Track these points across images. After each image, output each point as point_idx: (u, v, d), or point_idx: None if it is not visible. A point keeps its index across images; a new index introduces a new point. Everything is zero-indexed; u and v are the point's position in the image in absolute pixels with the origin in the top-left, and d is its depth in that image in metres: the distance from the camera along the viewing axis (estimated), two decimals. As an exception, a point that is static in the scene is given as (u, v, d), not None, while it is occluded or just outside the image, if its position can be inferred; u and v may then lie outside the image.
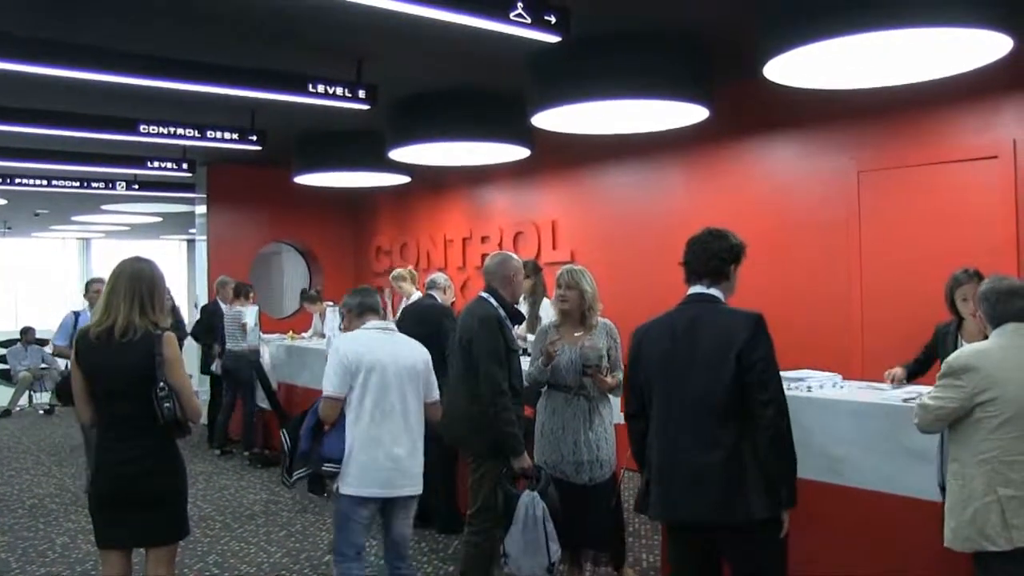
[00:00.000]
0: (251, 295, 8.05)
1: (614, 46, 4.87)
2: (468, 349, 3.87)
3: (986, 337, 2.90)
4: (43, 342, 12.08)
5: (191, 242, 17.26)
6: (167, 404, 2.99)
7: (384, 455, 3.43)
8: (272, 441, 7.71)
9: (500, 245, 8.31)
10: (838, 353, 5.32)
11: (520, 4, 3.77)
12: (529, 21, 3.84)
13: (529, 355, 4.20)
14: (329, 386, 3.46)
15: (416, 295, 6.49)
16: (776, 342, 2.75)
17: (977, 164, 4.98)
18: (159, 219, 13.89)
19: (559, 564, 3.75)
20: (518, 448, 3.74)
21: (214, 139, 6.40)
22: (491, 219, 8.70)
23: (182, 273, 17.46)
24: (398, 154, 6.61)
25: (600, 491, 3.91)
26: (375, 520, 3.60)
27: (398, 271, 6.92)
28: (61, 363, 11.40)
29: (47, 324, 13.51)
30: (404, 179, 8.03)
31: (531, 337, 4.99)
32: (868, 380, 4.20)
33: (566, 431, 3.88)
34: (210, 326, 8.26)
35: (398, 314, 6.11)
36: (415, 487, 3.55)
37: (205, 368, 8.58)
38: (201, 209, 9.95)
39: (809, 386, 3.80)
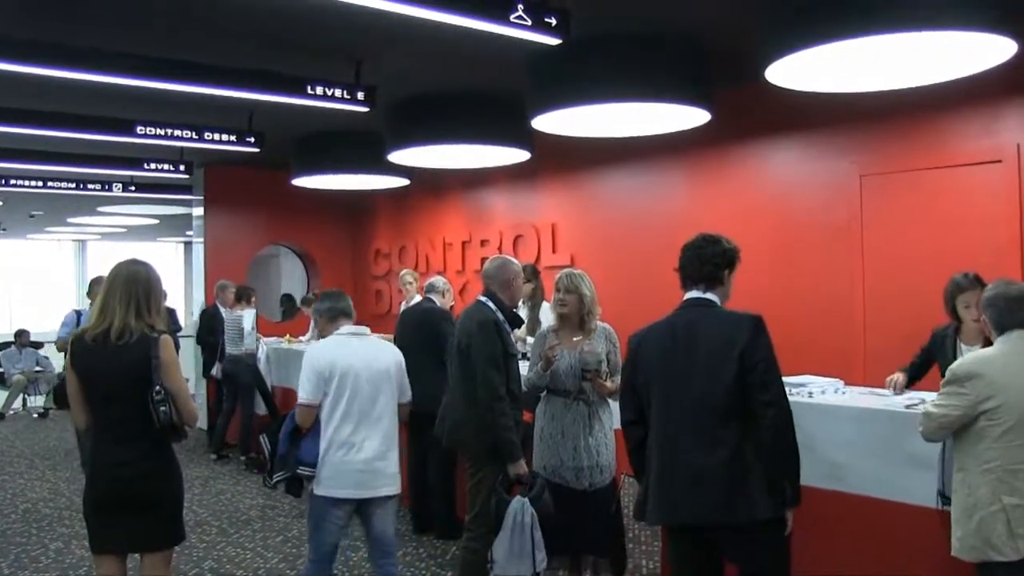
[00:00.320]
0: (252, 299, 8.07)
1: (614, 48, 4.88)
2: (466, 353, 3.87)
3: (987, 341, 2.90)
4: (38, 345, 12.09)
5: (188, 244, 17.25)
6: (163, 408, 3.00)
7: (357, 457, 3.55)
8: (269, 446, 7.70)
9: (500, 249, 8.32)
10: (840, 358, 5.32)
11: (520, 6, 3.78)
12: (529, 23, 3.84)
13: (528, 359, 4.20)
14: (303, 393, 3.58)
15: (416, 298, 6.51)
16: (777, 346, 2.76)
17: (980, 168, 4.99)
18: (156, 221, 13.88)
19: (544, 573, 3.75)
20: (515, 453, 3.75)
21: (211, 141, 6.40)
22: (490, 222, 8.70)
23: (179, 276, 17.45)
24: (397, 156, 6.62)
25: (600, 497, 3.91)
26: (353, 520, 3.70)
27: (409, 272, 6.94)
28: (56, 366, 11.41)
29: (42, 327, 13.54)
30: (403, 182, 8.03)
31: (531, 340, 4.99)
32: (870, 386, 4.20)
33: (566, 436, 3.88)
34: (211, 330, 8.27)
35: (397, 317, 6.11)
36: (390, 487, 3.65)
37: (207, 372, 8.60)
38: (198, 211, 9.96)
39: (810, 392, 3.80)
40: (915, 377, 4.08)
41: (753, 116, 6.05)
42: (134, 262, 3.20)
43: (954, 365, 2.82)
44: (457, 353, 3.98)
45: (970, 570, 2.80)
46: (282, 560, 5.09)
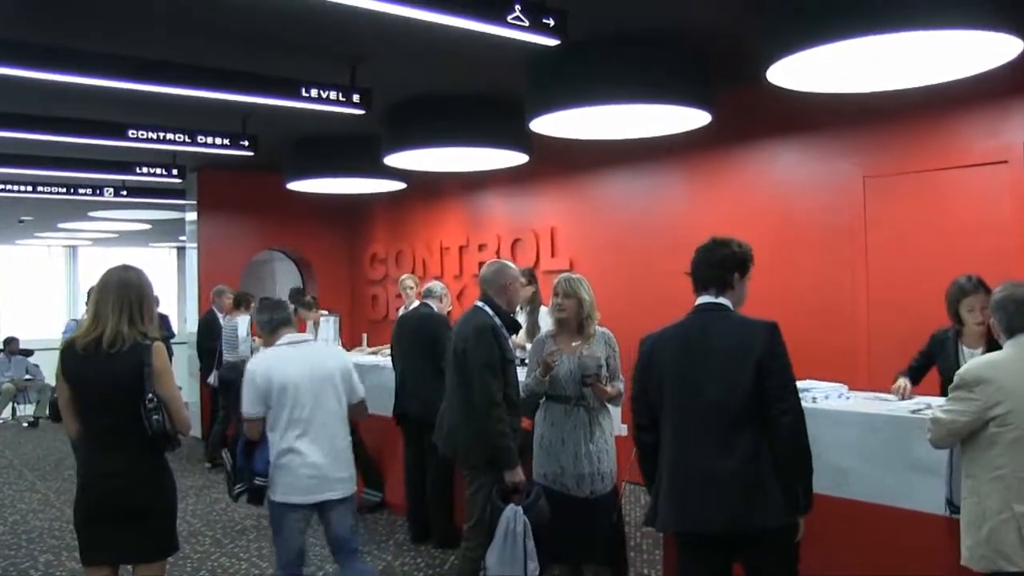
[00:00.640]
0: (252, 304, 8.08)
1: (614, 49, 4.89)
2: (463, 359, 3.88)
3: (990, 344, 2.90)
4: (27, 352, 12.07)
5: (181, 250, 17.22)
6: (156, 416, 2.99)
7: (303, 465, 3.64)
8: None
9: (498, 253, 8.32)
10: (844, 363, 5.33)
11: (517, 7, 3.79)
12: (527, 24, 3.85)
13: (527, 365, 4.20)
14: (245, 407, 3.72)
15: (415, 303, 6.50)
16: (780, 351, 2.76)
17: (986, 169, 5.00)
18: (148, 226, 13.87)
19: None
20: (512, 461, 3.75)
21: (205, 144, 6.40)
22: (488, 226, 8.71)
23: (172, 282, 17.43)
24: (393, 160, 6.63)
25: (601, 504, 3.90)
26: (312, 524, 3.83)
27: (410, 277, 6.94)
28: (47, 375, 11.40)
29: (31, 334, 13.51)
30: (400, 185, 8.04)
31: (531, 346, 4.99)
32: (874, 391, 4.20)
33: (566, 443, 3.88)
34: (209, 336, 8.27)
35: (395, 322, 6.11)
36: (342, 490, 3.75)
37: (206, 379, 8.59)
38: (191, 216, 9.95)
39: (814, 397, 3.80)
40: (914, 381, 4.08)
41: (755, 117, 6.06)
42: (125, 268, 3.19)
43: (962, 370, 2.81)
44: (454, 359, 3.98)
45: (977, 579, 2.79)
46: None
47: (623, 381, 4.07)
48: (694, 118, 5.32)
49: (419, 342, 5.45)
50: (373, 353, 7.43)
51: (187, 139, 6.34)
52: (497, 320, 3.93)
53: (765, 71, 4.26)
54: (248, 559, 5.34)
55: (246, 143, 6.62)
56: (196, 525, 6.11)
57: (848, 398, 3.93)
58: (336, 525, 3.78)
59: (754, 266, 2.96)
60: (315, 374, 3.71)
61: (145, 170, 7.85)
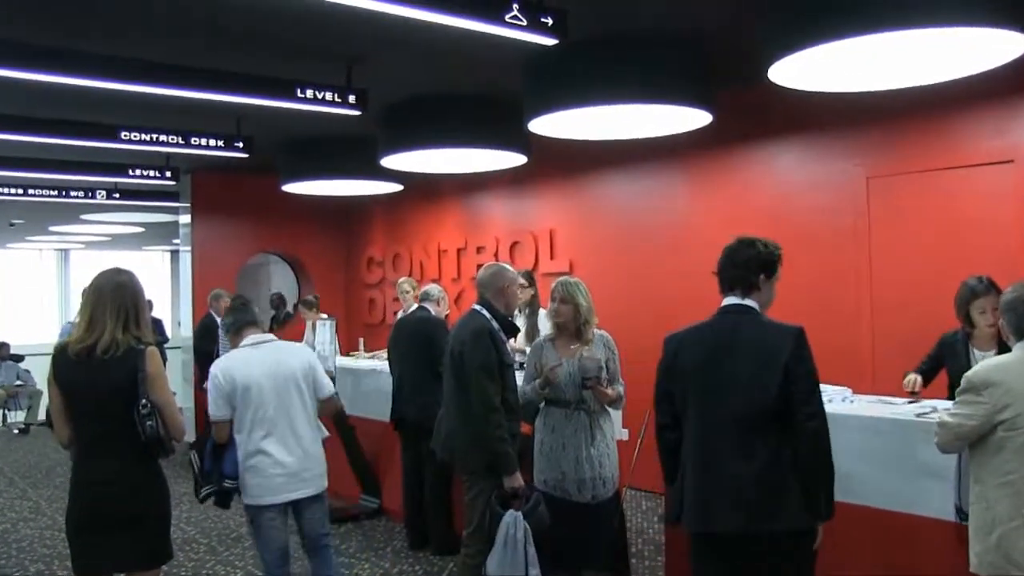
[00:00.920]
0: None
1: (613, 49, 4.89)
2: (460, 363, 3.88)
3: (1001, 347, 2.89)
4: (18, 358, 12.05)
5: (175, 253, 17.23)
6: (150, 422, 2.99)
7: (272, 464, 3.74)
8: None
9: (496, 255, 8.32)
10: (847, 366, 5.32)
11: (515, 6, 3.79)
12: (525, 23, 3.85)
13: (524, 369, 4.20)
14: (211, 410, 3.78)
15: (413, 307, 6.50)
16: (783, 355, 2.77)
17: (991, 169, 5.00)
18: (141, 229, 13.86)
19: None
20: (510, 465, 3.75)
21: (198, 146, 6.39)
22: (487, 229, 8.71)
23: (166, 286, 17.42)
24: (390, 161, 6.62)
25: (603, 510, 3.90)
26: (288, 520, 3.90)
27: (407, 280, 6.94)
28: (38, 380, 11.38)
29: (23, 339, 13.49)
30: (396, 187, 8.04)
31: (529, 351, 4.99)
32: (878, 394, 4.20)
33: (567, 448, 3.88)
34: (206, 340, 8.25)
35: (392, 327, 6.11)
36: (314, 488, 3.86)
37: (203, 383, 8.58)
38: (185, 219, 9.95)
39: (818, 400, 3.79)
40: (923, 384, 4.08)
41: (756, 117, 6.06)
42: (118, 271, 3.19)
43: (970, 373, 2.80)
44: (451, 363, 3.98)
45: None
46: (273, 579, 5.07)
47: (623, 384, 4.08)
48: (695, 118, 5.32)
49: (416, 346, 5.45)
50: (371, 357, 7.43)
51: (180, 140, 6.33)
52: (494, 324, 3.93)
53: (766, 70, 4.26)
54: (243, 567, 5.33)
55: (240, 144, 6.61)
56: (190, 532, 6.10)
57: (852, 402, 3.93)
58: (308, 522, 3.90)
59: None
60: (278, 373, 3.79)
61: (138, 172, 7.83)
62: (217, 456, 3.76)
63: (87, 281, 3.21)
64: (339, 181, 7.83)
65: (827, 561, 3.44)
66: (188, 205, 9.79)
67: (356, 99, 5.31)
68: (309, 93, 5.14)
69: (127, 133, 6.12)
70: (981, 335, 3.87)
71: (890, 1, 3.69)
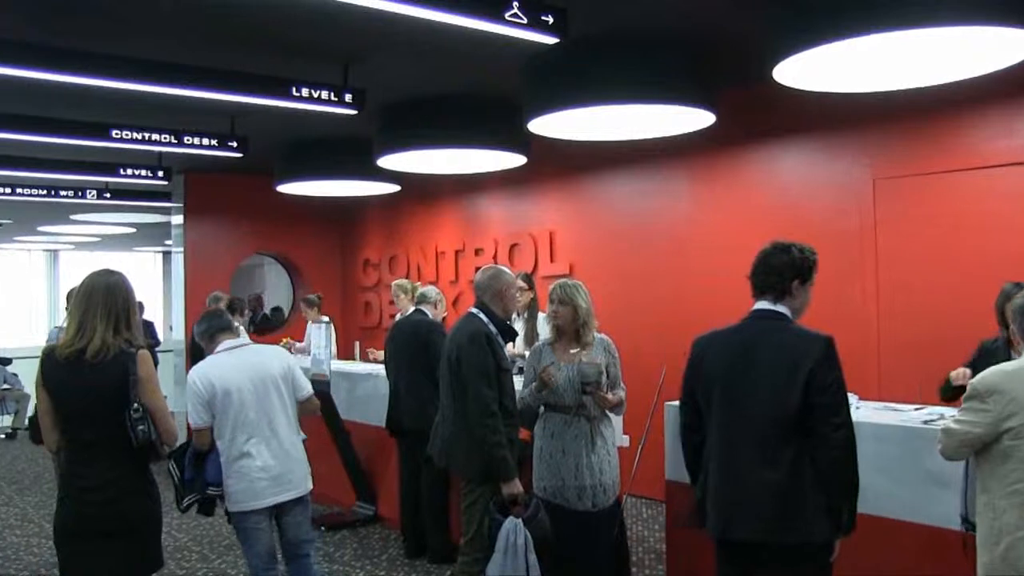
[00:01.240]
0: (244, 311, 8.08)
1: (614, 48, 4.90)
2: (457, 368, 3.87)
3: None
4: (6, 361, 12.02)
5: (167, 255, 17.22)
6: (141, 427, 2.99)
7: (255, 468, 3.75)
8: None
9: (495, 258, 8.32)
10: (853, 372, 5.24)
11: (515, 4, 3.79)
12: (525, 21, 3.86)
13: (523, 374, 4.20)
14: (191, 419, 3.79)
15: (409, 309, 6.50)
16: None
17: (1001, 171, 5.00)
18: (132, 230, 13.86)
19: None
20: (508, 472, 3.75)
21: (192, 145, 6.39)
22: (485, 230, 8.71)
23: (157, 288, 17.41)
24: (387, 162, 6.63)
25: (603, 518, 3.90)
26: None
27: (402, 282, 6.93)
28: (26, 384, 11.35)
29: (11, 342, 13.47)
30: (393, 188, 8.04)
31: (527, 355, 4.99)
32: (885, 400, 4.20)
33: (567, 455, 3.87)
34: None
35: (388, 330, 6.11)
36: (298, 490, 3.88)
37: None
38: (178, 219, 9.95)
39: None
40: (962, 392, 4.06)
41: (760, 117, 6.07)
42: (109, 273, 3.18)
43: (975, 379, 2.79)
44: (447, 367, 3.98)
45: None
46: (266, 588, 5.06)
47: (625, 389, 4.07)
48: (697, 118, 5.33)
49: (411, 350, 5.44)
50: (373, 361, 7.42)
51: (173, 140, 6.33)
52: (492, 327, 3.93)
53: (771, 69, 4.26)
54: (236, 575, 5.32)
55: (235, 144, 6.62)
56: (182, 540, 6.09)
57: (858, 408, 3.93)
58: (291, 527, 3.92)
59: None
60: (256, 377, 3.81)
61: (129, 172, 7.83)
62: (199, 464, 3.78)
63: (77, 283, 3.21)
64: (335, 181, 7.84)
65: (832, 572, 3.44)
66: (181, 205, 9.78)
67: (353, 98, 5.31)
68: (305, 92, 5.14)
69: (119, 131, 6.13)
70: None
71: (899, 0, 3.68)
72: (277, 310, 11.73)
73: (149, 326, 9.19)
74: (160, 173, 7.94)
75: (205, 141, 6.45)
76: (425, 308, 5.69)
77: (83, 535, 3.05)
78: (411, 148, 6.36)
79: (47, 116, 6.05)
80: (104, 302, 3.06)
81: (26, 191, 8.84)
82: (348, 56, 5.27)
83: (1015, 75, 4.33)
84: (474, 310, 4.02)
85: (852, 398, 3.92)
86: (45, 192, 8.90)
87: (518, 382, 4.12)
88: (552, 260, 7.85)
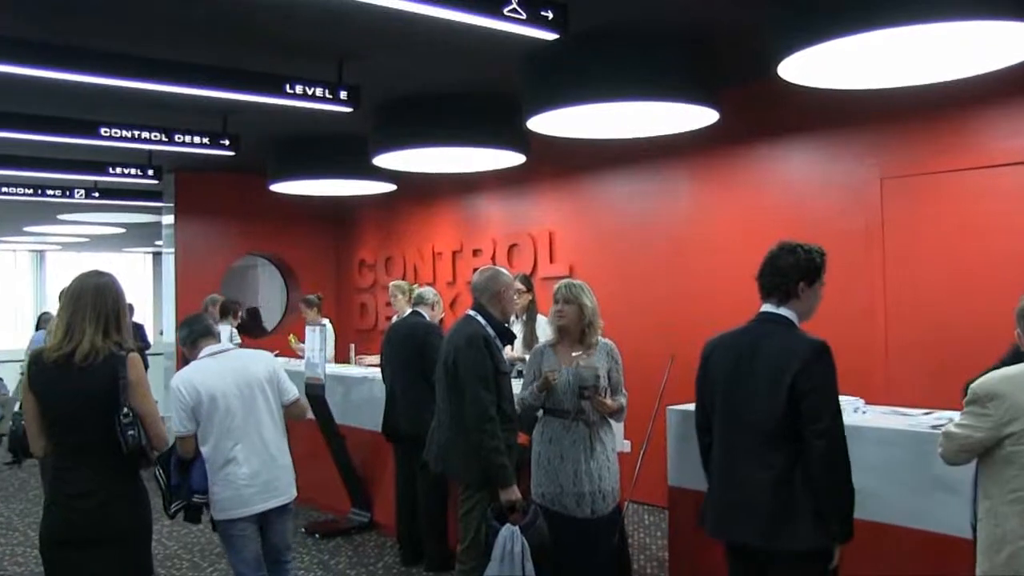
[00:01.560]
0: (239, 313, 8.08)
1: (615, 44, 4.90)
2: (454, 371, 3.87)
3: None
4: (-8, 365, 11.99)
5: (157, 255, 17.19)
6: (132, 431, 2.98)
7: (241, 475, 3.77)
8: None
9: (493, 259, 8.32)
10: (859, 375, 5.32)
11: (514, -1, 3.80)
12: (524, 17, 3.86)
13: (523, 377, 4.20)
14: (176, 425, 3.81)
15: (405, 311, 6.50)
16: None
17: (1010, 170, 5.01)
18: (122, 230, 13.85)
19: None
20: (506, 478, 3.75)
21: (183, 144, 6.39)
22: (483, 230, 8.71)
23: (147, 289, 17.40)
24: (383, 160, 6.63)
25: (603, 525, 3.90)
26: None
27: (400, 283, 6.92)
28: (12, 389, 11.33)
29: (-2, 345, 13.44)
30: (389, 187, 8.04)
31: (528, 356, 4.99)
32: (892, 405, 4.20)
33: (565, 460, 3.87)
34: None
35: (384, 332, 6.10)
36: (284, 496, 3.90)
37: None
38: (168, 219, 9.94)
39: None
40: None
41: (764, 115, 6.07)
42: (98, 274, 3.18)
43: (976, 384, 2.78)
44: (444, 371, 3.98)
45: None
46: (258, 597, 5.05)
47: (626, 395, 4.07)
48: (700, 116, 5.33)
49: (407, 353, 5.44)
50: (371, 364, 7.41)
51: (164, 138, 6.33)
52: (490, 330, 3.93)
53: (775, 66, 4.26)
54: (227, 584, 5.31)
55: (227, 142, 6.61)
56: (172, 548, 6.09)
57: (864, 412, 3.93)
58: (274, 533, 3.95)
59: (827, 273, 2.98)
60: (241, 381, 3.82)
61: (119, 170, 7.82)
62: (184, 471, 3.78)
63: (64, 284, 3.20)
64: (329, 180, 7.83)
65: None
66: (171, 205, 9.78)
67: (348, 95, 5.32)
68: (299, 89, 5.15)
69: (107, 129, 6.13)
70: None
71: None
72: (252, 312, 11.51)
73: (138, 329, 9.19)
74: (150, 172, 7.93)
75: (196, 139, 6.45)
76: (422, 310, 5.69)
77: (71, 543, 3.05)
78: (407, 146, 6.36)
79: (34, 113, 6.04)
80: (93, 304, 3.06)
81: (11, 190, 8.82)
82: (343, 52, 5.27)
83: (1023, 73, 4.34)
84: (472, 312, 4.02)
85: (856, 403, 3.94)
86: (32, 191, 8.88)
87: (517, 386, 4.12)
88: (552, 261, 7.85)
